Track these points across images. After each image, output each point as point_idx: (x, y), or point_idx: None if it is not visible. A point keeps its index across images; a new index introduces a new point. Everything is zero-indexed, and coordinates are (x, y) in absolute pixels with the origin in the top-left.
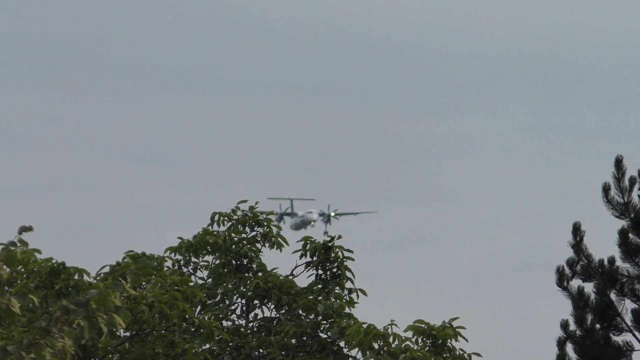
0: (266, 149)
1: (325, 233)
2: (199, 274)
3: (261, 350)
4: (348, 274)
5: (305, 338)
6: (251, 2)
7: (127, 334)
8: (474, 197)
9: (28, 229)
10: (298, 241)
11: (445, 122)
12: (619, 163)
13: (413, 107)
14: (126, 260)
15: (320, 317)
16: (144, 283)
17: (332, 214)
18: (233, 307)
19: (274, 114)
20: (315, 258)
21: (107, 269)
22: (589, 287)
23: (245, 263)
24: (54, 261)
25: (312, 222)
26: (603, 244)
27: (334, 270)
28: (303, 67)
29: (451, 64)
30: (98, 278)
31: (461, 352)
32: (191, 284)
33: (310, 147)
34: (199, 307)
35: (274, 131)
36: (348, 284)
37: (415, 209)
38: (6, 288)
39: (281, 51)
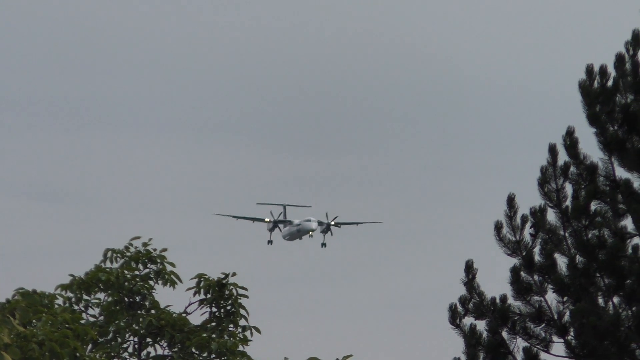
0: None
1: (323, 245)
2: (90, 311)
3: None
4: (242, 311)
5: None
6: (152, 37)
7: None
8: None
9: None
10: (192, 278)
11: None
12: (511, 201)
13: None
14: (16, 297)
15: (213, 355)
16: (34, 321)
17: (332, 222)
18: (125, 345)
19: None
20: (209, 295)
21: None
22: (481, 325)
23: (138, 300)
24: None
25: (310, 232)
26: (495, 282)
27: (228, 307)
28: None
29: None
30: None
31: None
32: (82, 321)
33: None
34: (90, 345)
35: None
36: (242, 322)
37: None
38: None
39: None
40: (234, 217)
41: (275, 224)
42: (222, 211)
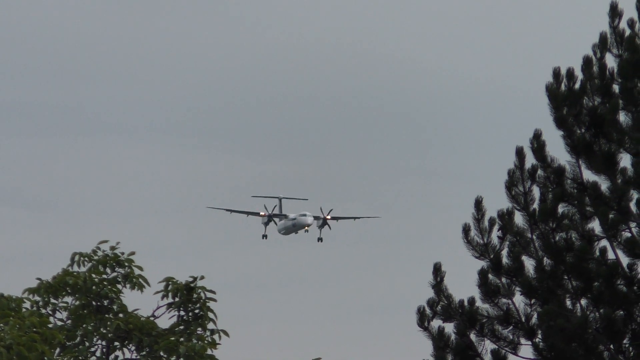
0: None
1: (320, 240)
2: (58, 315)
3: None
4: (210, 314)
5: None
6: (118, 43)
7: None
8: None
9: None
10: (160, 282)
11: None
12: (478, 204)
13: None
14: None
15: (182, 359)
16: (1, 325)
17: (329, 217)
18: (93, 349)
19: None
20: (177, 299)
21: None
22: (449, 328)
23: (105, 304)
24: None
25: (306, 227)
26: (463, 284)
27: (196, 311)
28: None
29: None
30: None
31: None
32: (50, 325)
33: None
34: (57, 349)
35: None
36: (210, 325)
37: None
38: None
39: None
40: (227, 210)
41: (270, 218)
42: (214, 204)
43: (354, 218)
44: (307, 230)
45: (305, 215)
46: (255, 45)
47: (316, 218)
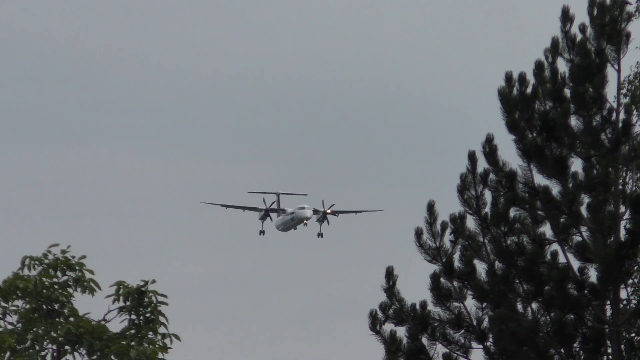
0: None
1: (320, 235)
2: (8, 319)
3: None
4: (162, 319)
5: None
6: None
7: None
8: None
9: None
10: (111, 285)
11: None
12: (431, 208)
13: None
14: None
15: None
16: None
17: (329, 210)
18: (43, 353)
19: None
20: (128, 303)
21: None
22: (401, 331)
23: (56, 308)
24: None
25: (305, 221)
26: (415, 288)
27: (148, 315)
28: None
29: None
30: None
31: None
32: (0, 329)
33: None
34: (7, 353)
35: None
36: (162, 329)
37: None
38: None
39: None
40: (222, 205)
41: (267, 213)
42: (210, 200)
43: (356, 212)
44: (306, 224)
45: (304, 208)
46: (253, 44)
47: (316, 212)
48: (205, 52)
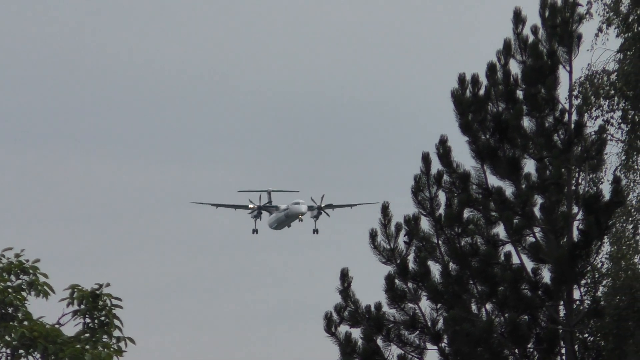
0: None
1: (315, 231)
2: None
3: None
4: (116, 322)
5: None
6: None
7: None
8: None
9: None
10: (65, 289)
11: None
12: (385, 210)
13: None
14: None
15: None
16: None
17: (323, 205)
18: None
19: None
20: (82, 306)
21: None
22: (357, 333)
23: (10, 312)
24: None
25: (300, 216)
26: (370, 290)
27: (102, 318)
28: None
29: None
30: None
31: None
32: None
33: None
34: None
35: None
36: (117, 333)
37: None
38: None
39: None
40: (212, 205)
41: (259, 210)
42: (199, 200)
43: (351, 205)
44: (301, 220)
45: (298, 203)
46: (240, 42)
47: (310, 208)
48: (193, 49)
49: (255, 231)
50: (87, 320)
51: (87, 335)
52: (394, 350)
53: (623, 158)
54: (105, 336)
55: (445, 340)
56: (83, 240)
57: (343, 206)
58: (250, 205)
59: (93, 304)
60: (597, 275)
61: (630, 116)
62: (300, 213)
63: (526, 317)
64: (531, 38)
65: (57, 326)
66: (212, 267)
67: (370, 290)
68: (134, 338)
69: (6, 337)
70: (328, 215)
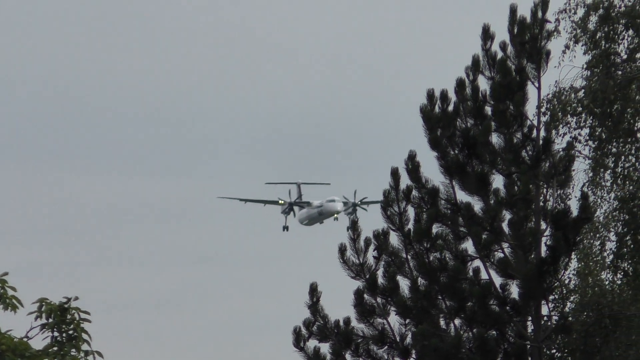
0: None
1: (349, 229)
2: None
3: None
4: (85, 335)
5: None
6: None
7: None
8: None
9: None
10: (33, 302)
11: None
12: (354, 225)
13: None
14: None
15: None
16: None
17: (359, 202)
18: None
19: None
20: (51, 320)
21: None
22: (325, 348)
23: None
24: None
25: (335, 215)
26: (339, 304)
27: (70, 332)
28: None
29: None
30: None
31: None
32: None
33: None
34: None
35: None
36: (85, 346)
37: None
38: None
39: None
40: (240, 200)
41: (291, 206)
42: (226, 194)
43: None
44: (336, 219)
45: (333, 200)
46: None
47: (345, 205)
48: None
49: (285, 228)
50: (56, 333)
51: (55, 348)
52: None
53: (590, 175)
54: (73, 350)
55: (414, 355)
56: (50, 253)
57: (377, 202)
58: (281, 201)
59: (61, 317)
60: (564, 291)
61: (597, 133)
62: (335, 212)
63: (494, 332)
64: (500, 54)
65: (25, 339)
66: (212, 270)
67: (339, 304)
68: (102, 352)
69: None
70: (366, 210)
